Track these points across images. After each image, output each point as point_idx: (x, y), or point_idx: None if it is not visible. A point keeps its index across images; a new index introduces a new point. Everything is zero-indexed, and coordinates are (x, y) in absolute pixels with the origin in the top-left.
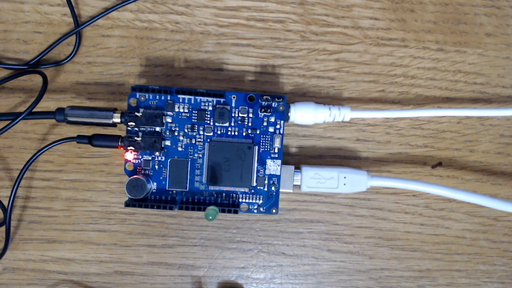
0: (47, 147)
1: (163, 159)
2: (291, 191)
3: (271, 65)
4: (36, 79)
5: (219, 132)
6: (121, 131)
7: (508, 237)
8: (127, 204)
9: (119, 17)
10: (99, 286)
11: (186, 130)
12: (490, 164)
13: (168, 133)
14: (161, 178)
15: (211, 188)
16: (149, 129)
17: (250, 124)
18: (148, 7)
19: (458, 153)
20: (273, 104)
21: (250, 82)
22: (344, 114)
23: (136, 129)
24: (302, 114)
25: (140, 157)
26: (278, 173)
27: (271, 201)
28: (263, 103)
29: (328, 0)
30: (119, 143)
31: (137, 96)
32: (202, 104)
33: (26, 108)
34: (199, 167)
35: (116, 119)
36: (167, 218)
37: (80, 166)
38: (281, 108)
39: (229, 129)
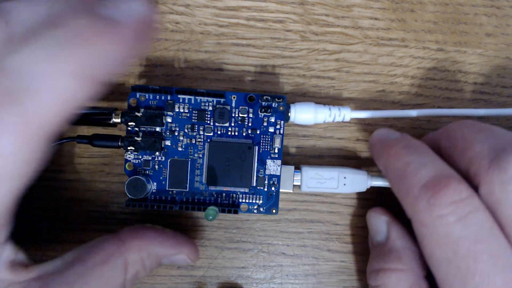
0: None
1: (163, 159)
2: (291, 191)
3: (271, 65)
4: None
5: (219, 132)
6: (121, 131)
7: None
8: (127, 204)
9: None
10: None
11: (186, 130)
12: None
13: (168, 133)
14: (161, 178)
15: (211, 188)
16: (149, 129)
17: (250, 124)
18: None
19: None
20: (273, 104)
21: (250, 82)
22: (344, 114)
23: (136, 129)
24: (302, 114)
25: (140, 157)
26: (278, 173)
27: (271, 201)
28: (263, 103)
29: (328, 0)
30: (119, 143)
31: (137, 96)
32: (202, 104)
33: None
34: (199, 167)
35: (116, 119)
36: (167, 218)
37: (80, 166)
38: (281, 108)
39: (229, 129)
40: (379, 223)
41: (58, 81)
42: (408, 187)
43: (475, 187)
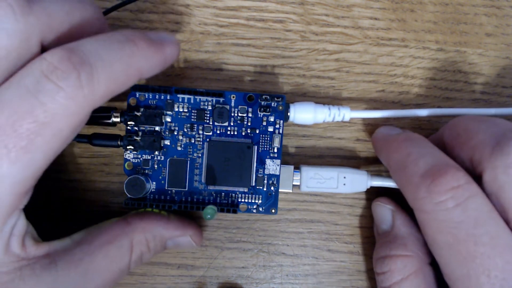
0: None
1: (163, 158)
2: (291, 191)
3: (271, 65)
4: None
5: (218, 132)
6: (121, 130)
7: None
8: (126, 203)
9: (119, 17)
10: None
11: (185, 130)
12: None
13: (167, 133)
14: (160, 177)
15: (210, 187)
16: (148, 128)
17: (249, 124)
18: (148, 7)
19: None
20: (273, 104)
21: (250, 82)
22: (344, 114)
23: (136, 128)
24: (302, 114)
25: (140, 157)
26: (277, 173)
27: (270, 201)
28: (263, 102)
29: (328, 0)
30: (119, 143)
31: (137, 95)
32: (202, 103)
33: None
34: (198, 166)
35: (116, 118)
36: None
37: (79, 166)
38: (280, 108)
39: (229, 128)
40: (385, 211)
41: (111, 65)
42: (408, 177)
43: (479, 176)
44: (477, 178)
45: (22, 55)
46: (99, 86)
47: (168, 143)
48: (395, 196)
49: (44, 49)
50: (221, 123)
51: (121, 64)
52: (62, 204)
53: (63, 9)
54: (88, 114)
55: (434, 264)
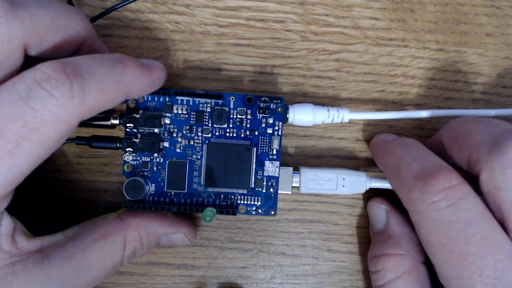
0: None
1: (162, 160)
2: (290, 192)
3: (271, 65)
4: None
5: (217, 134)
6: (120, 131)
7: None
8: (125, 205)
9: (119, 17)
10: (99, 286)
11: (184, 132)
12: None
13: (166, 135)
14: (159, 179)
15: (209, 189)
16: (147, 130)
17: (248, 126)
18: (148, 7)
19: None
20: (272, 105)
21: (250, 82)
22: (343, 115)
23: (135, 130)
24: (301, 116)
25: (139, 159)
26: (276, 175)
27: (270, 203)
28: (262, 104)
29: (328, 0)
30: (118, 145)
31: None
32: (201, 105)
33: None
34: (197, 168)
35: (115, 120)
36: None
37: (79, 167)
38: (279, 109)
39: (228, 130)
40: (379, 211)
41: (102, 80)
42: (403, 179)
43: (476, 176)
44: (475, 178)
45: (4, 58)
46: (90, 98)
47: (167, 145)
48: (394, 197)
49: (29, 58)
50: (220, 125)
51: (111, 80)
52: (62, 204)
53: (48, 15)
54: (75, 125)
55: (428, 263)
